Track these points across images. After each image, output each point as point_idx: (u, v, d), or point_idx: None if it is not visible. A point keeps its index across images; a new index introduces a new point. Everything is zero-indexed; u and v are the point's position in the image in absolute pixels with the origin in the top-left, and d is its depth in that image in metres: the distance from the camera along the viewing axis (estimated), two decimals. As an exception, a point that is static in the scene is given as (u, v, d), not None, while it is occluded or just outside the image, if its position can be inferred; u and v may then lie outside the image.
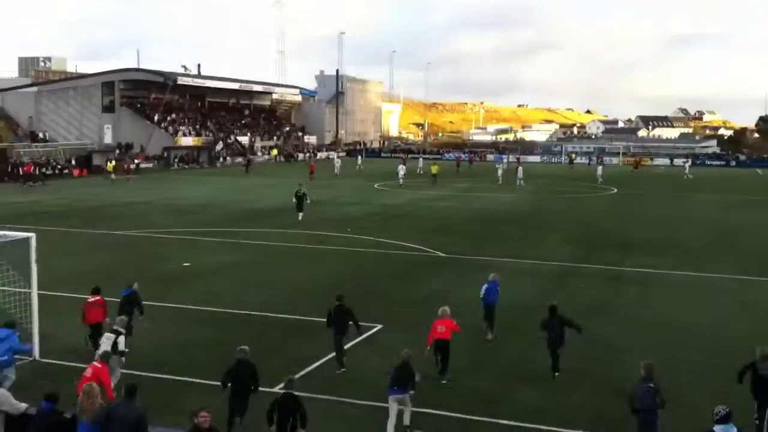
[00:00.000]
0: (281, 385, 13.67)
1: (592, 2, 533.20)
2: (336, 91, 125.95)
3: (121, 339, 15.15)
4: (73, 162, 72.45)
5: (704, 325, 20.38)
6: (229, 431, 12.92)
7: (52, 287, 22.28)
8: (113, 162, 65.59)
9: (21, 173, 60.75)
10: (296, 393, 11.95)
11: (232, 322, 19.90)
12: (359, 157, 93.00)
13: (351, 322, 16.76)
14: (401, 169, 63.67)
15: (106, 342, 14.98)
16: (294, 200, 39.06)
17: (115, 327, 15.44)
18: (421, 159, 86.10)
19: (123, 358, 15.18)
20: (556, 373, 16.23)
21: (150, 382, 15.37)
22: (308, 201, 39.40)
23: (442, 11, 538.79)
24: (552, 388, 15.59)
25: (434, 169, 65.09)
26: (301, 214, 38.19)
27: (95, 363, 12.95)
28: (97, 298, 17.61)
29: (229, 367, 13.18)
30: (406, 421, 13.63)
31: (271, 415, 11.68)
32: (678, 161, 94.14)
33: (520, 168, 65.81)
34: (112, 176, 61.27)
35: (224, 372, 13.19)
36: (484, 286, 19.45)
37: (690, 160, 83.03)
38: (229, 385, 13.08)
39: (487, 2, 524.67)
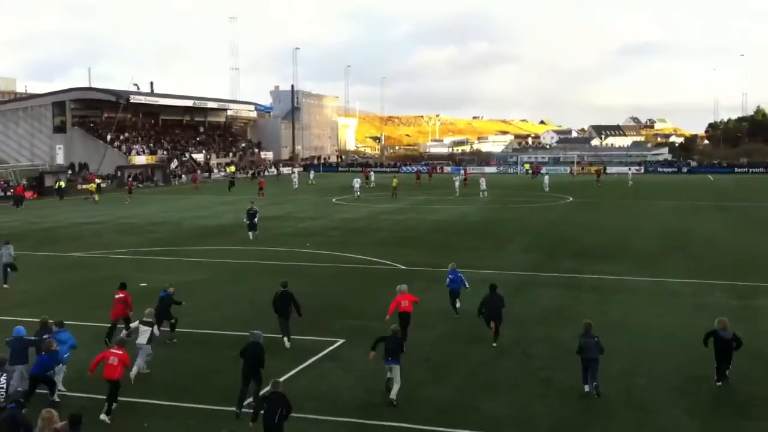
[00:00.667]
0: (248, 400, 13.63)
1: (543, 14, 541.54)
2: (291, 106, 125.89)
3: (156, 329, 17.40)
4: (24, 183, 71.08)
5: (659, 329, 20.72)
6: (240, 404, 14.67)
7: (5, 311, 21.85)
8: (94, 183, 65.87)
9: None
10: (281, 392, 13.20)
11: (192, 341, 19.67)
12: (311, 171, 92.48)
13: (293, 307, 18.94)
14: (356, 182, 64.54)
15: (143, 333, 16.92)
16: (245, 219, 38.01)
17: (146, 319, 17.17)
18: (372, 173, 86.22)
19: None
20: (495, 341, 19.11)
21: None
22: (256, 220, 37.59)
23: (397, 26, 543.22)
24: (515, 397, 15.69)
25: (394, 182, 65.27)
26: (251, 233, 37.21)
27: (115, 349, 14.77)
28: (122, 294, 19.33)
29: (243, 346, 15.19)
30: (393, 395, 15.23)
31: (259, 409, 13.04)
32: (623, 169, 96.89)
33: (483, 179, 66.43)
34: (95, 197, 60.99)
35: (240, 350, 15.18)
36: (449, 276, 22.33)
37: (632, 169, 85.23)
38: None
39: (442, 16, 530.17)
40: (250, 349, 15.10)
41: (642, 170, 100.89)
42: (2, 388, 13.41)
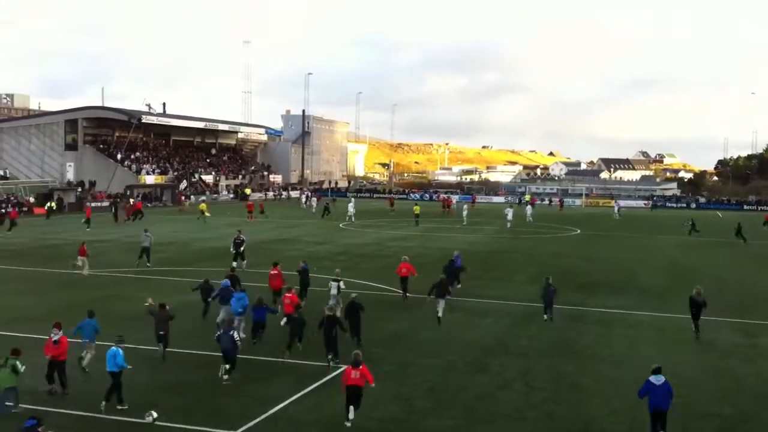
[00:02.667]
0: (249, 424, 13.58)
1: (555, 46, 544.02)
2: (302, 130, 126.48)
3: (342, 284, 25.17)
4: (32, 200, 71.36)
5: (664, 365, 20.38)
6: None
7: (9, 327, 21.87)
8: (205, 203, 67.08)
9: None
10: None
11: (194, 363, 19.62)
12: (313, 198, 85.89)
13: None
14: (350, 208, 66.64)
15: (333, 287, 24.53)
16: (232, 248, 36.21)
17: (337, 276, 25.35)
18: (352, 199, 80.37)
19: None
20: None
21: (107, 423, 15.09)
22: (242, 249, 36.09)
23: (409, 54, 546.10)
24: (517, 430, 15.55)
25: (416, 209, 65.70)
26: (240, 262, 35.04)
27: (291, 293, 22.68)
28: (276, 270, 26.10)
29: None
30: (440, 313, 24.41)
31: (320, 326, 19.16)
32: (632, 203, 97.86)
33: (510, 209, 67.13)
34: (206, 215, 62.02)
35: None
36: (458, 259, 31.44)
37: (619, 204, 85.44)
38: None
39: (454, 46, 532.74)
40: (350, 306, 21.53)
41: (650, 205, 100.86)
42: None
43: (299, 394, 17.15)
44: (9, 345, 16.89)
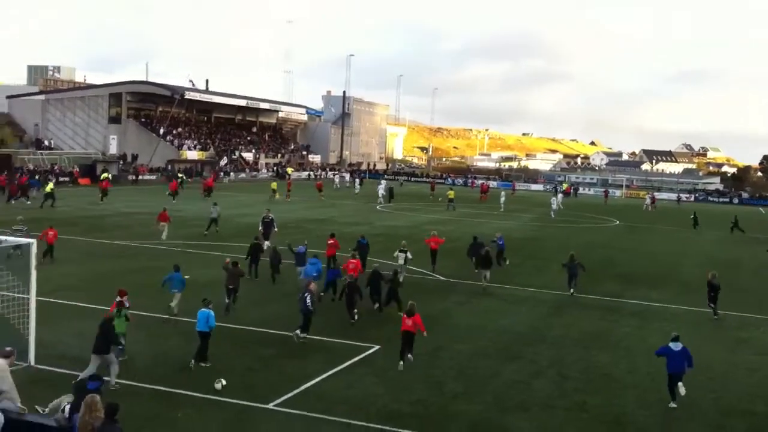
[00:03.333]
0: (279, 399, 13.72)
1: (601, 34, 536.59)
2: (342, 111, 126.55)
3: (409, 254, 28.68)
4: (76, 169, 72.36)
5: (699, 360, 20.26)
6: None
7: (51, 294, 22.33)
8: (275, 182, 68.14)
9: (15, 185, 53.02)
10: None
11: (228, 336, 19.85)
12: (356, 180, 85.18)
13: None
14: (380, 189, 66.81)
15: (401, 257, 28.34)
16: (260, 227, 35.97)
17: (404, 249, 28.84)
18: (383, 181, 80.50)
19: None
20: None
21: (146, 393, 15.37)
22: (275, 229, 36.28)
23: (452, 39, 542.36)
24: (548, 419, 15.51)
25: (450, 194, 65.63)
26: (267, 243, 33.45)
27: (355, 260, 25.67)
28: (333, 240, 29.50)
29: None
30: (488, 279, 28.26)
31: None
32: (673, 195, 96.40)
33: (555, 198, 66.38)
34: (276, 195, 63.06)
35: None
36: (500, 240, 34.30)
37: (649, 194, 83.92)
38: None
39: (497, 32, 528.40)
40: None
41: (692, 198, 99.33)
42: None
43: (330, 372, 17.30)
44: (56, 311, 17.22)
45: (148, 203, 52.82)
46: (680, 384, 16.17)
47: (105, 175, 65.11)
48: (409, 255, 28.46)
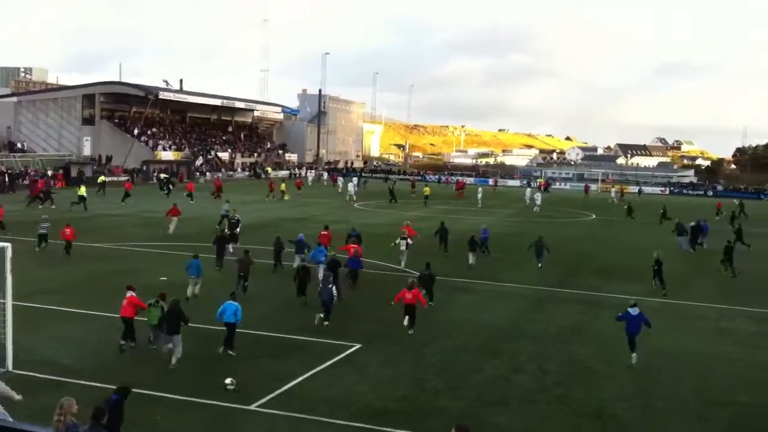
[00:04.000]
0: (261, 400, 13.64)
1: (579, 28, 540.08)
2: (318, 110, 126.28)
3: (410, 240, 32.58)
4: (50, 173, 71.54)
5: (680, 352, 20.52)
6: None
7: (29, 299, 22.04)
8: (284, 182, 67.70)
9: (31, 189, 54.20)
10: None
11: (209, 337, 19.71)
12: (342, 179, 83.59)
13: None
14: (350, 187, 68.00)
15: (402, 244, 31.88)
16: (225, 229, 34.77)
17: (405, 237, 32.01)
18: (354, 179, 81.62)
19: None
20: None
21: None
22: (237, 230, 35.26)
23: (433, 35, 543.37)
24: (529, 413, 15.58)
25: (426, 190, 66.32)
26: (230, 246, 32.35)
27: (357, 246, 28.32)
28: (326, 232, 32.30)
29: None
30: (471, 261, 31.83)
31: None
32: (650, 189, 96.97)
33: (539, 194, 66.66)
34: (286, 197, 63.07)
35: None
36: (485, 231, 36.55)
37: (615, 188, 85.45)
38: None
39: (475, 28, 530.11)
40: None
41: (667, 191, 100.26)
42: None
43: (312, 372, 17.24)
44: (36, 316, 17.00)
45: (129, 206, 52.36)
46: (633, 355, 18.78)
47: (102, 178, 65.21)
48: (409, 241, 32.13)
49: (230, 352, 18.33)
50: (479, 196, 66.89)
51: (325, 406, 15.19)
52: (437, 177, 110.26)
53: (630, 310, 19.16)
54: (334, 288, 21.96)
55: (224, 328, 18.51)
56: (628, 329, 19.09)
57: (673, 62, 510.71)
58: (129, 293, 18.64)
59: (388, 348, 19.55)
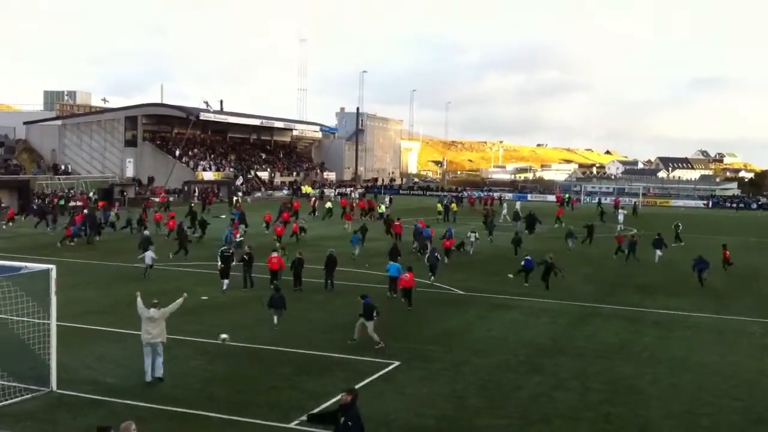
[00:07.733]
0: (297, 420, 13.65)
1: (615, 44, 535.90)
2: (356, 128, 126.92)
3: (477, 234, 42.12)
4: (93, 194, 72.74)
5: (724, 368, 20.08)
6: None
7: (72, 319, 22.39)
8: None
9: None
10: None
11: (248, 356, 19.82)
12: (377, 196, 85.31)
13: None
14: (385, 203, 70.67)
15: (472, 236, 41.31)
16: (219, 263, 29.76)
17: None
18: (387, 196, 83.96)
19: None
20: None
21: (164, 415, 15.33)
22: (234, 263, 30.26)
23: (468, 52, 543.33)
24: (572, 431, 15.33)
25: (453, 207, 67.37)
26: (225, 281, 29.35)
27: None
28: (399, 222, 43.34)
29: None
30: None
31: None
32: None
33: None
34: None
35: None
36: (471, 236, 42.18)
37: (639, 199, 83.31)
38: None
39: (512, 44, 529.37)
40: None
41: (710, 204, 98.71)
42: None
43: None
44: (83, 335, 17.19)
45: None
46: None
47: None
48: (477, 235, 42.08)
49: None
50: (504, 212, 67.33)
51: (364, 424, 15.09)
52: (447, 195, 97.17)
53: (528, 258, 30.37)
54: (437, 253, 32.76)
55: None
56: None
57: (708, 76, 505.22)
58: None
59: (428, 366, 19.43)
